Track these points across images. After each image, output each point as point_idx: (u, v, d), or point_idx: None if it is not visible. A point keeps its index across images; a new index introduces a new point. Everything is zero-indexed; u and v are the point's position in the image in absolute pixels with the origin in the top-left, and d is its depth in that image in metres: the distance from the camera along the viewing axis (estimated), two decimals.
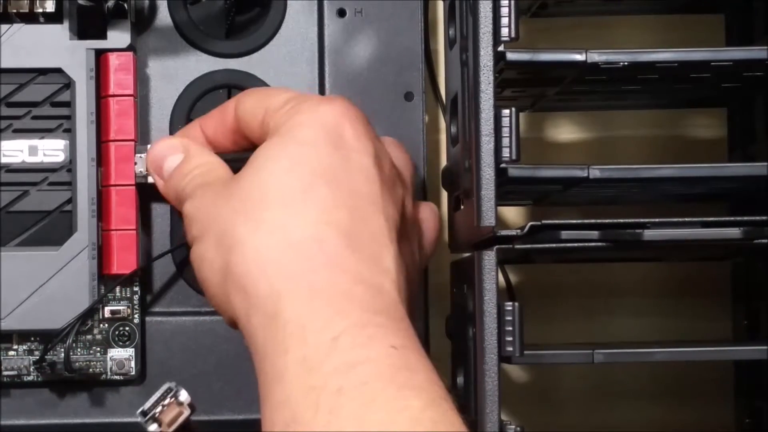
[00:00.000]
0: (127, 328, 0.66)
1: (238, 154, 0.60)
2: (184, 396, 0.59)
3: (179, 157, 0.60)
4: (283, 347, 0.50)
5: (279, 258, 0.52)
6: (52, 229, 0.63)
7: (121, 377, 0.65)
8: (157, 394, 0.59)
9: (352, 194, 0.54)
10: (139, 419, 0.58)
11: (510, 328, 0.59)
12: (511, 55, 0.61)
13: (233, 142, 0.61)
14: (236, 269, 0.53)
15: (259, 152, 0.56)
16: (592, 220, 0.61)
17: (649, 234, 0.61)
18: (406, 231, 0.58)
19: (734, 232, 0.61)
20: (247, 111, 0.59)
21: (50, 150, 0.64)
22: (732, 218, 0.62)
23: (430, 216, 0.64)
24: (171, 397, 0.58)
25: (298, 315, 0.51)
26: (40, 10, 0.63)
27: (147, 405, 0.58)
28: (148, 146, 0.63)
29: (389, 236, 0.55)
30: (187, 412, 0.59)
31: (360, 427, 0.47)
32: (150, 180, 0.63)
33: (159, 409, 0.58)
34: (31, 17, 0.63)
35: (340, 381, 0.48)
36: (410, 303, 0.55)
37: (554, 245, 0.61)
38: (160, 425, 0.58)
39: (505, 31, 0.60)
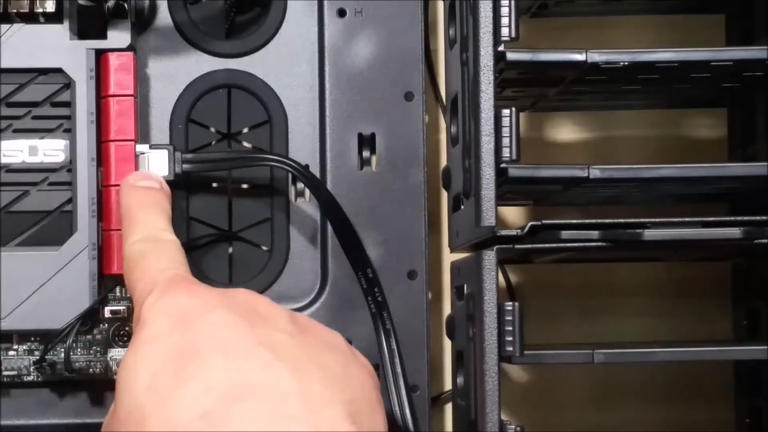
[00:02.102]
0: (127, 328, 0.65)
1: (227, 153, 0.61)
2: None
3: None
4: None
5: None
6: (52, 229, 0.63)
7: None
8: None
9: (209, 393, 0.50)
10: None
11: (510, 328, 0.59)
12: (511, 55, 0.61)
13: None
14: None
15: (121, 364, 0.53)
16: (592, 220, 0.61)
17: (649, 234, 0.61)
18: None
19: (734, 232, 0.61)
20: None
21: (50, 150, 0.64)
22: (732, 218, 0.62)
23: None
24: None
25: None
26: (40, 10, 0.63)
27: None
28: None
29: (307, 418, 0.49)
30: None
31: None
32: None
33: None
34: (31, 17, 0.64)
35: None
36: None
37: (554, 245, 0.61)
38: None
39: (505, 31, 0.60)
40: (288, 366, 0.50)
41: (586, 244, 0.61)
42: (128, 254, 0.59)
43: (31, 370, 0.65)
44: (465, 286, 0.65)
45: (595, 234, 0.61)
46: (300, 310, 0.66)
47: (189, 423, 0.48)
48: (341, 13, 0.67)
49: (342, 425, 0.49)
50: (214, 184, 0.67)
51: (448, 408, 0.75)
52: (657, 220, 0.61)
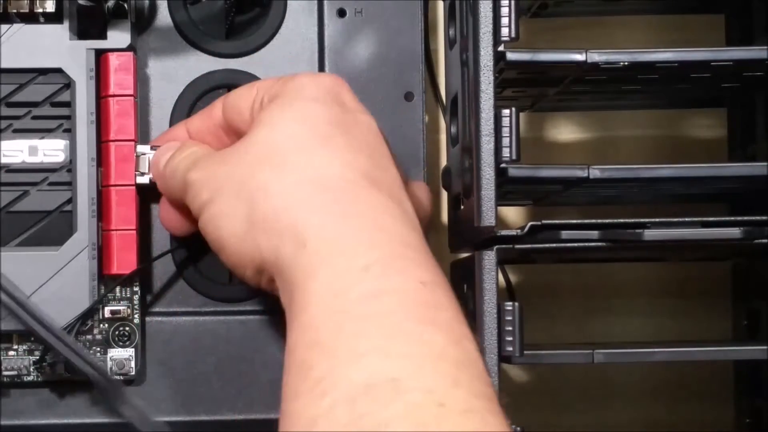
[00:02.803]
0: (127, 328, 0.65)
1: None
2: None
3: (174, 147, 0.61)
4: (312, 273, 0.50)
5: (306, 193, 0.53)
6: (52, 229, 0.63)
7: (121, 377, 0.65)
8: None
9: (367, 145, 0.55)
10: None
11: (510, 328, 0.60)
12: (511, 55, 0.61)
13: (219, 138, 0.61)
14: (262, 210, 0.53)
15: (265, 113, 0.56)
16: (592, 220, 0.61)
17: (649, 234, 0.61)
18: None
19: (734, 232, 0.61)
20: (236, 98, 0.60)
21: (50, 150, 0.64)
22: (732, 218, 0.62)
23: (422, 195, 0.64)
24: None
25: (327, 242, 0.51)
26: (40, 10, 0.63)
27: None
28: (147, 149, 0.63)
29: (403, 187, 0.55)
30: None
31: (382, 355, 0.46)
32: (149, 180, 0.63)
33: None
34: (31, 17, 0.63)
35: (365, 308, 0.48)
36: None
37: (554, 245, 0.61)
38: None
39: (505, 31, 0.60)
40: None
41: (586, 244, 0.61)
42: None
43: (31, 370, 0.65)
44: (465, 286, 0.65)
45: (595, 234, 0.61)
46: None
47: (326, 178, 0.53)
48: (341, 13, 0.67)
49: None
50: None
51: None
52: (657, 220, 0.61)
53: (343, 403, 0.45)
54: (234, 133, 0.60)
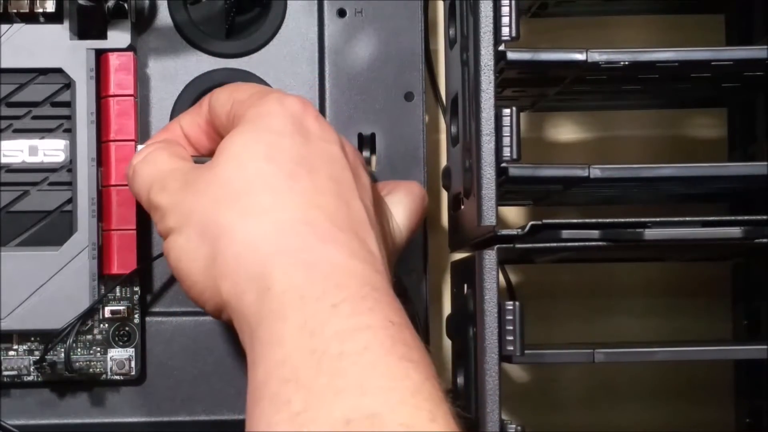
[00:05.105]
0: (127, 328, 0.66)
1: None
2: None
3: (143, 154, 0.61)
4: (281, 314, 0.50)
5: (270, 239, 0.52)
6: (53, 229, 0.63)
7: (121, 377, 0.65)
8: None
9: (332, 181, 0.55)
10: None
11: (510, 328, 0.59)
12: (511, 55, 0.61)
13: (207, 134, 0.61)
14: (225, 255, 0.53)
15: (231, 140, 0.56)
16: (593, 220, 0.61)
17: (649, 234, 0.61)
18: (377, 216, 0.58)
19: (734, 232, 0.61)
20: (218, 102, 0.59)
21: (50, 150, 0.64)
22: (732, 218, 0.62)
23: (406, 198, 0.64)
24: None
25: (295, 285, 0.51)
26: (41, 10, 0.63)
27: None
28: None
29: (369, 221, 0.55)
30: None
31: (360, 392, 0.47)
32: None
33: None
34: (31, 17, 0.64)
35: (341, 346, 0.48)
36: None
37: (555, 245, 0.61)
38: None
39: (505, 31, 0.60)
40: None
41: (587, 243, 0.61)
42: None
43: (31, 370, 0.65)
44: (465, 286, 0.65)
45: (595, 233, 0.61)
46: None
47: (290, 223, 0.52)
48: (341, 13, 0.67)
49: None
50: None
51: None
52: (657, 219, 0.61)
53: None
54: (217, 131, 0.60)
